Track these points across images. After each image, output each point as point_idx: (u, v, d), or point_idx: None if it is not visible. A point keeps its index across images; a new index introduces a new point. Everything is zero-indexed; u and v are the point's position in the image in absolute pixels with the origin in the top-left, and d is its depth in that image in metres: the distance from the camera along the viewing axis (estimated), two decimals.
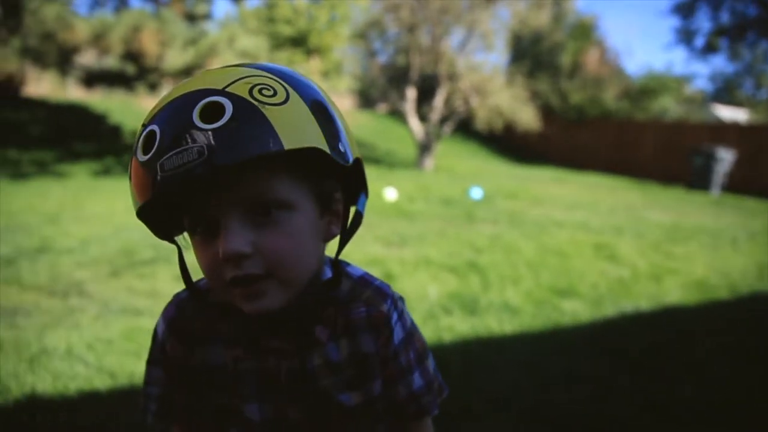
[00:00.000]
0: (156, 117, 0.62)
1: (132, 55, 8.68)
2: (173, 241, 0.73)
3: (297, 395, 0.77)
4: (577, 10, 21.11)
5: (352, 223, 0.73)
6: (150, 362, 0.82)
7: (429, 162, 13.77)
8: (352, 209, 0.75)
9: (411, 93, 14.28)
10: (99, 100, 16.11)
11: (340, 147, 0.66)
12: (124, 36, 7.88)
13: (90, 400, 2.28)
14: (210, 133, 0.58)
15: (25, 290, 3.58)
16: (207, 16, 10.93)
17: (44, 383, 2.36)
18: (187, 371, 0.79)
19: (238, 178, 0.62)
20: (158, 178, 0.59)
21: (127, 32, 7.86)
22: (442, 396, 0.86)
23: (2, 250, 4.43)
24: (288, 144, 0.59)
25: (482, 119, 13.99)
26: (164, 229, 0.72)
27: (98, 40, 7.90)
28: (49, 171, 9.61)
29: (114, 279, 3.86)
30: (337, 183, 0.72)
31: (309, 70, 23.44)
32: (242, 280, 0.64)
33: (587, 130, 17.18)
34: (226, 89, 0.61)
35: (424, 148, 13.87)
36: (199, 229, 0.66)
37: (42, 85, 16.54)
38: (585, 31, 20.55)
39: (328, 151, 0.63)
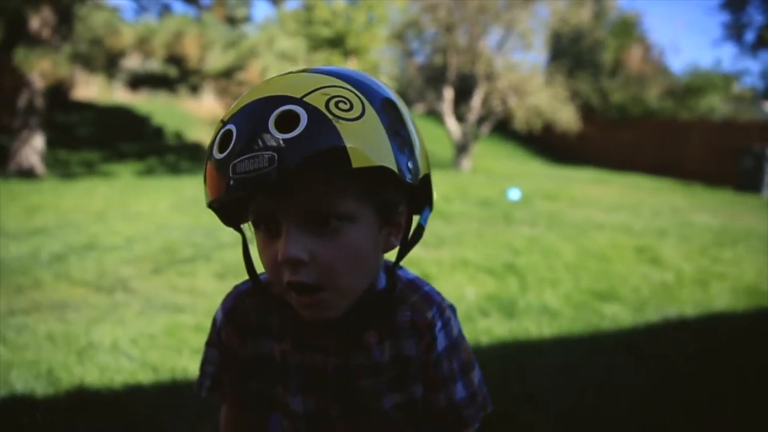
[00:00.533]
0: (234, 116, 0.64)
1: (174, 59, 8.89)
2: (239, 230, 0.76)
3: (340, 393, 0.79)
4: (619, 6, 20.54)
5: (413, 235, 0.74)
6: (208, 343, 0.86)
7: (466, 162, 13.68)
8: (415, 218, 0.76)
9: (448, 93, 14.22)
10: (143, 102, 16.64)
11: (410, 165, 0.67)
12: (167, 40, 8.08)
13: (134, 393, 2.34)
14: (282, 141, 0.59)
15: (74, 285, 3.71)
16: (246, 19, 11.10)
17: (92, 376, 2.44)
18: (238, 359, 0.83)
19: (304, 186, 0.64)
20: (230, 177, 0.61)
21: (170, 37, 8.06)
22: (486, 410, 0.85)
23: (53, 246, 4.62)
24: (356, 161, 0.60)
25: (520, 119, 13.81)
26: (231, 218, 0.75)
27: (143, 44, 8.13)
28: (96, 171, 9.97)
29: (156, 276, 3.97)
30: (402, 196, 0.72)
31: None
32: (296, 286, 0.67)
33: (629, 130, 16.73)
34: (304, 98, 0.62)
35: (462, 148, 13.78)
36: (263, 227, 0.69)
37: (90, 89, 17.17)
38: (627, 28, 19.97)
39: (395, 170, 0.64)
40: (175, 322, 3.07)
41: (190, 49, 8.18)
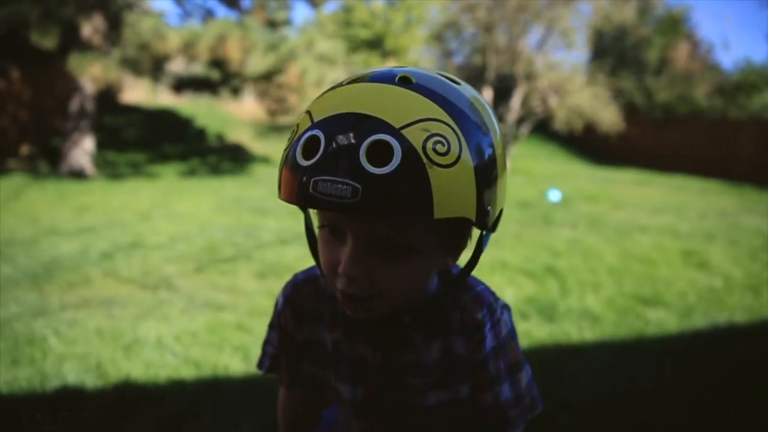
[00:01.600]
0: (325, 123, 0.62)
1: (217, 62, 9.09)
2: (306, 212, 0.77)
3: (385, 386, 0.82)
4: (665, 2, 19.80)
5: (473, 257, 0.76)
6: (270, 326, 0.91)
7: (505, 164, 13.48)
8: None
9: (487, 93, 14.07)
10: (186, 104, 17.08)
11: (489, 209, 0.66)
12: (210, 44, 8.26)
13: (177, 389, 2.39)
14: (370, 177, 0.57)
15: (121, 282, 3.84)
16: (287, 22, 11.23)
17: (137, 370, 2.51)
18: (295, 343, 0.87)
19: (380, 214, 0.61)
20: (308, 191, 0.60)
21: (213, 41, 8.24)
22: (534, 412, 0.84)
23: (102, 245, 4.78)
24: (438, 213, 0.59)
25: (561, 119, 13.52)
26: None
27: (187, 48, 8.34)
28: (142, 172, 10.27)
29: (198, 275, 4.06)
30: (471, 228, 0.72)
31: None
32: (347, 293, 0.68)
33: (675, 130, 16.14)
34: (402, 130, 0.59)
35: None
36: (328, 230, 0.70)
37: (136, 92, 17.74)
38: (674, 25, 19.27)
39: (474, 219, 0.63)
40: (217, 319, 3.13)
41: (233, 52, 8.35)
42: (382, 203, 0.58)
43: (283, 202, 0.66)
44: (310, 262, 0.84)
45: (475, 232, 0.76)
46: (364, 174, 0.57)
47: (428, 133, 0.59)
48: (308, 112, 0.65)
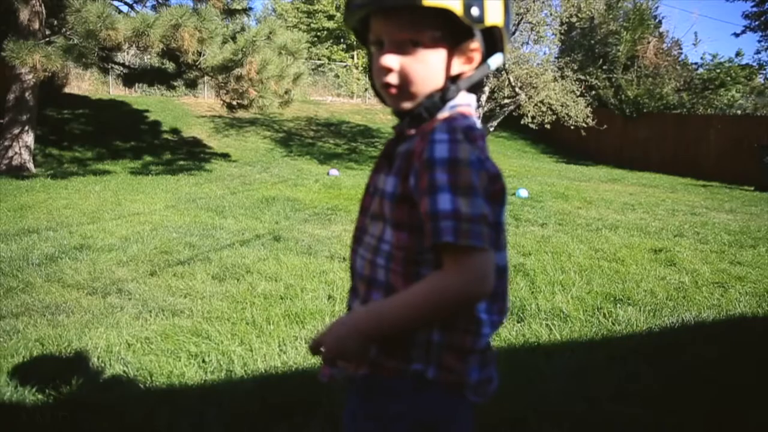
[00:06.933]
0: None
1: (171, 53, 8.66)
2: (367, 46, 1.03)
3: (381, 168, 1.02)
4: None
5: (477, 70, 0.98)
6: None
7: None
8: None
9: None
10: (139, 97, 16.42)
11: (475, 6, 0.90)
12: (164, 33, 7.84)
13: (129, 400, 2.24)
14: None
15: (66, 288, 3.58)
16: (246, 11, 10.81)
17: (84, 381, 2.34)
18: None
19: (395, 17, 0.93)
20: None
21: (166, 29, 7.82)
22: (469, 241, 0.83)
23: (45, 247, 4.47)
24: (426, 1, 0.88)
25: (530, 115, 13.57)
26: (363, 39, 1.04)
27: (139, 37, 7.89)
28: (89, 169, 9.79)
29: (152, 278, 3.84)
30: (473, 36, 0.93)
31: (349, 65, 23.36)
32: (385, 84, 0.97)
33: (644, 126, 16.40)
34: None
35: None
36: (375, 48, 0.99)
37: (83, 83, 16.90)
38: (643, 20, 19.37)
39: (458, 11, 0.89)
40: (172, 325, 2.97)
41: (188, 42, 7.94)
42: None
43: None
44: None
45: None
46: None
47: None
48: None
